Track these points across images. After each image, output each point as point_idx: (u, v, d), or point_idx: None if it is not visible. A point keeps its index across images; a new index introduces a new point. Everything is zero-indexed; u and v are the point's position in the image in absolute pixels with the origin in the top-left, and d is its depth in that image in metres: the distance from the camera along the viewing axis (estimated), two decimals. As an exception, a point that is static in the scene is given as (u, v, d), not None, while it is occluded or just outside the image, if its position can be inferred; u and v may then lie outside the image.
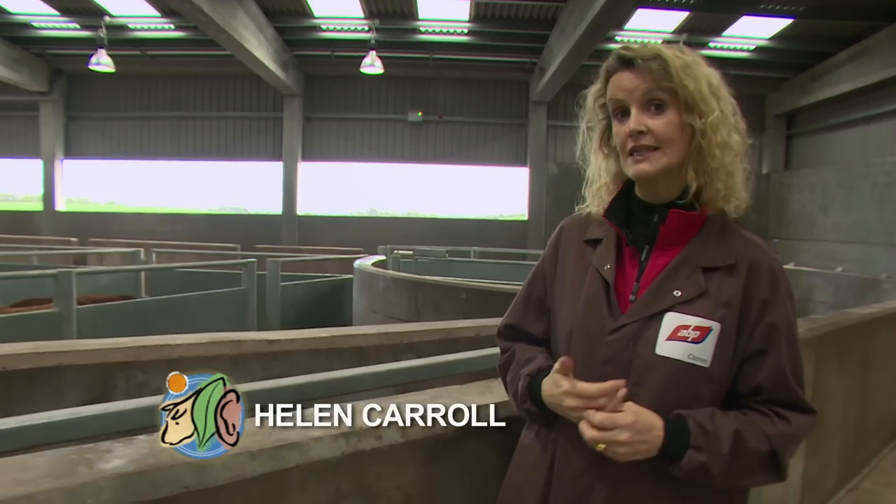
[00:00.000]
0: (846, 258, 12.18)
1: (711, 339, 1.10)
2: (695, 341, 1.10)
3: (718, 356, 1.11)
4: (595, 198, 1.27)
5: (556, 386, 1.13)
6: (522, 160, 16.49)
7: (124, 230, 16.15)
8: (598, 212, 1.25)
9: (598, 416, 1.05)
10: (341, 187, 17.10)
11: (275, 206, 16.95)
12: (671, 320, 1.11)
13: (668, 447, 1.07)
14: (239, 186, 17.36)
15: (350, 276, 8.88)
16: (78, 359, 1.85)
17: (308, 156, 16.53)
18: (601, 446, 1.05)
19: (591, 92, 1.24)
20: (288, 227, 16.26)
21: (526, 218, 16.60)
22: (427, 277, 6.60)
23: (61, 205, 16.96)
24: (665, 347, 1.11)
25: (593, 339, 1.15)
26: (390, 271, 7.24)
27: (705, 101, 1.12)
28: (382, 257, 9.35)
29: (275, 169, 16.70)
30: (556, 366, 1.13)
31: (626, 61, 1.15)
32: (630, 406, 1.07)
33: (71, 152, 16.87)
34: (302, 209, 16.58)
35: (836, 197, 13.45)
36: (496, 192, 17.14)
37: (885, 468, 4.33)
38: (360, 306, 7.27)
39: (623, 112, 1.16)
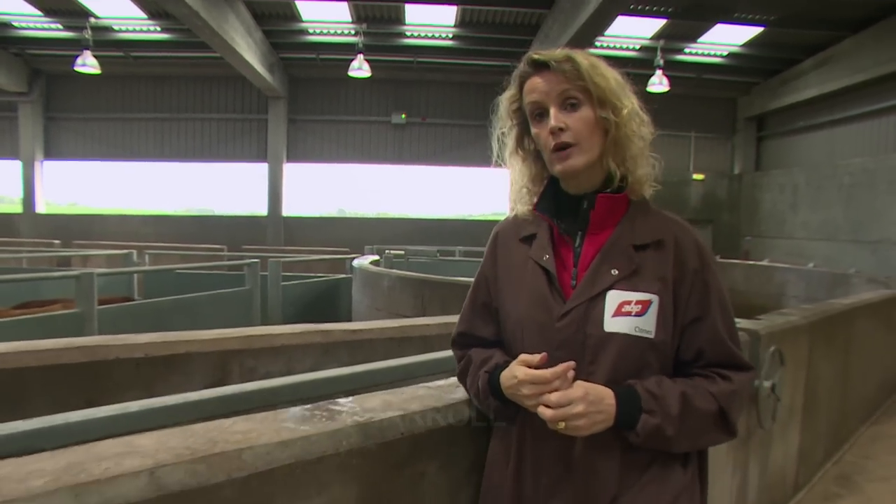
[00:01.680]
0: (815, 254, 12.77)
1: (653, 311, 1.17)
2: (638, 314, 1.16)
3: (661, 326, 1.17)
4: (518, 200, 1.33)
5: (513, 377, 1.17)
6: (503, 161, 16.77)
7: (107, 232, 16.05)
8: (525, 211, 1.32)
9: (553, 396, 1.10)
10: (325, 188, 17.27)
11: (255, 207, 17.04)
12: (614, 298, 1.17)
13: (623, 414, 1.13)
14: (220, 188, 17.37)
15: (343, 275, 9.14)
16: (202, 347, 2.11)
17: (293, 157, 16.64)
18: (561, 425, 1.10)
19: (505, 98, 1.30)
20: (273, 228, 16.34)
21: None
22: (433, 276, 6.89)
23: (41, 207, 16.77)
24: (612, 324, 1.17)
25: (544, 328, 1.20)
26: (395, 270, 7.49)
27: (616, 97, 1.20)
28: (376, 257, 9.60)
29: (258, 170, 16.77)
30: (520, 358, 1.18)
31: (540, 65, 1.22)
32: (579, 383, 1.13)
33: (51, 153, 16.70)
34: (287, 210, 16.69)
35: (805, 196, 14.06)
36: (478, 191, 17.49)
37: (863, 443, 4.78)
38: (363, 305, 7.50)
39: (541, 113, 1.23)
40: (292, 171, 16.81)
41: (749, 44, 13.61)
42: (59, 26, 13.51)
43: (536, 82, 1.22)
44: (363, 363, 2.05)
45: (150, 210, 17.66)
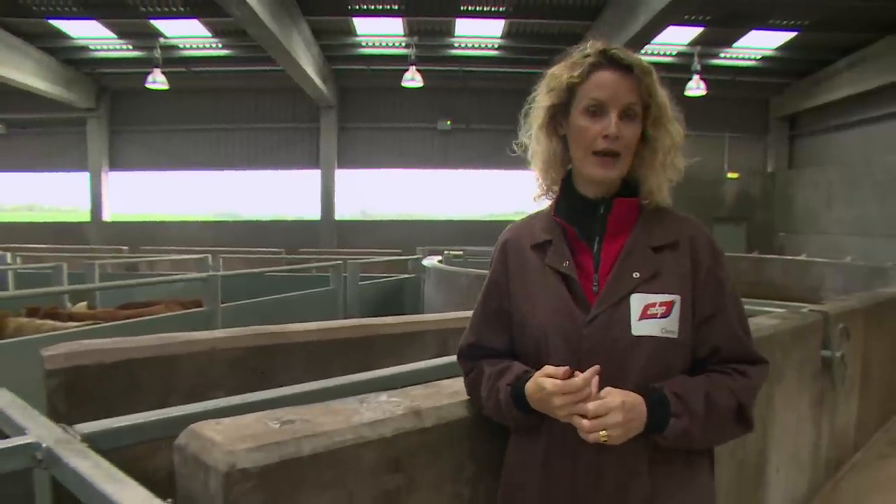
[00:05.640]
0: (849, 250, 13.03)
1: (676, 311, 1.18)
2: (663, 316, 1.17)
3: (684, 325, 1.19)
4: (537, 186, 1.35)
5: (541, 388, 1.14)
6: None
7: (168, 238, 16.87)
8: (537, 214, 1.34)
9: (592, 406, 1.08)
10: (372, 192, 18.13)
11: (306, 212, 17.93)
12: (638, 301, 1.17)
13: (653, 419, 1.13)
14: (274, 194, 18.29)
15: (406, 275, 9.87)
16: (431, 326, 2.87)
17: (343, 163, 17.52)
18: (603, 436, 1.09)
19: (565, 75, 1.22)
20: (326, 232, 17.20)
21: (549, 217, 17.62)
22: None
23: (107, 215, 17.81)
24: (640, 327, 1.16)
25: (569, 335, 1.19)
26: (472, 269, 8.16)
27: (670, 121, 1.23)
28: (440, 257, 10.32)
29: (309, 176, 17.67)
30: (544, 370, 1.15)
31: (620, 65, 1.19)
32: (610, 390, 1.11)
33: (115, 165, 17.76)
34: (338, 214, 17.57)
35: (839, 194, 14.45)
36: (520, 194, 18.11)
37: (911, 416, 5.43)
38: (438, 301, 8.17)
39: (597, 110, 1.19)
40: (342, 177, 17.69)
41: (783, 47, 14.10)
42: (130, 47, 14.50)
43: (608, 79, 1.19)
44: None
45: (208, 216, 18.61)
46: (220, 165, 17.79)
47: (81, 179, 17.77)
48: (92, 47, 14.58)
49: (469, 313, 1.46)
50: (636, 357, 1.16)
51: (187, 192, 18.36)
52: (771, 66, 15.16)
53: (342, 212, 17.79)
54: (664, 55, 14.34)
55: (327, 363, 2.58)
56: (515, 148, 1.37)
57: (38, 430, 1.29)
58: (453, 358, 1.50)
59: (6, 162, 17.81)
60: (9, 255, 10.13)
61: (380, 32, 13.81)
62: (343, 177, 17.67)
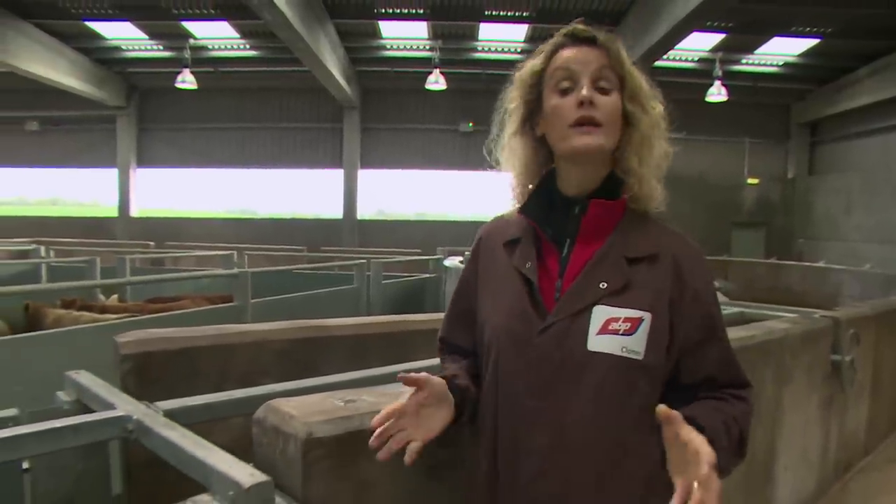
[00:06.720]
0: (869, 257, 13.00)
1: (643, 330, 1.05)
2: (626, 333, 1.05)
3: (652, 347, 1.06)
4: (511, 194, 1.26)
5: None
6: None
7: (192, 234, 17.15)
8: (513, 210, 1.23)
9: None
10: (393, 192, 18.38)
11: (327, 210, 18.20)
12: (600, 313, 1.06)
13: None
14: (296, 192, 18.60)
15: (427, 275, 10.06)
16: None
17: (366, 164, 17.77)
18: None
19: (527, 68, 1.18)
20: (348, 231, 17.46)
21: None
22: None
23: (134, 211, 18.24)
24: (597, 342, 1.05)
25: (520, 342, 1.10)
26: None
27: (647, 97, 1.14)
28: (461, 258, 10.50)
29: (331, 176, 17.95)
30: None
31: (582, 40, 1.13)
32: (710, 482, 0.92)
33: (143, 162, 18.20)
34: (360, 214, 17.81)
35: (859, 200, 14.42)
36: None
37: (922, 422, 5.52)
38: (459, 301, 8.36)
39: (567, 87, 1.12)
40: (364, 177, 17.95)
41: (805, 54, 14.12)
42: (160, 47, 14.88)
43: (572, 52, 1.13)
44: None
45: (232, 213, 18.96)
46: (244, 163, 18.10)
47: (109, 175, 18.19)
48: (124, 47, 14.98)
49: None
50: (589, 374, 1.05)
51: (212, 189, 18.70)
52: (793, 72, 15.17)
53: (364, 211, 18.04)
54: (686, 61, 14.43)
55: (363, 356, 2.79)
56: (487, 156, 1.29)
57: (125, 405, 1.47)
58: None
59: (39, 157, 18.31)
60: (42, 248, 10.48)
61: (404, 35, 14.07)
62: (365, 176, 17.92)
